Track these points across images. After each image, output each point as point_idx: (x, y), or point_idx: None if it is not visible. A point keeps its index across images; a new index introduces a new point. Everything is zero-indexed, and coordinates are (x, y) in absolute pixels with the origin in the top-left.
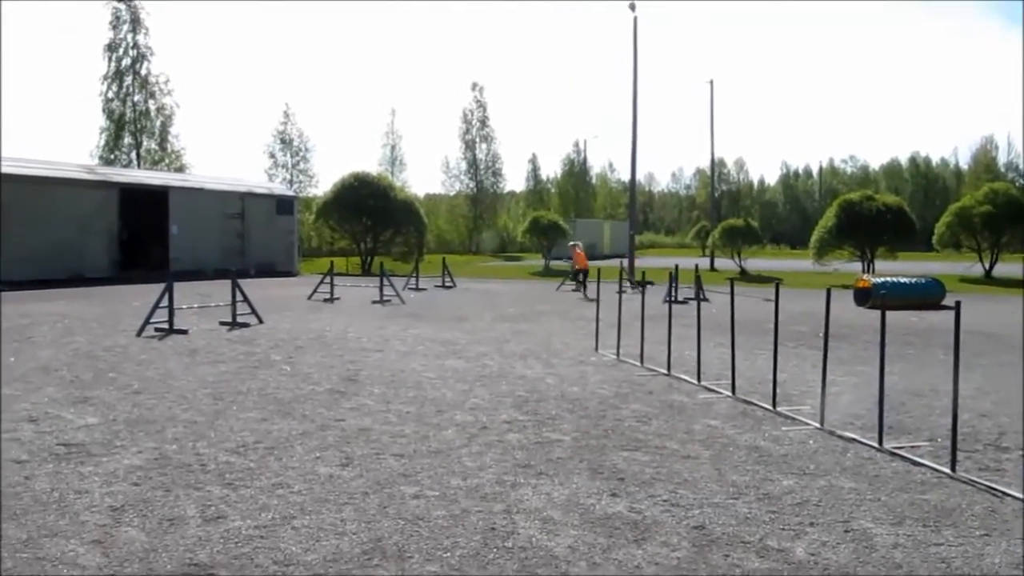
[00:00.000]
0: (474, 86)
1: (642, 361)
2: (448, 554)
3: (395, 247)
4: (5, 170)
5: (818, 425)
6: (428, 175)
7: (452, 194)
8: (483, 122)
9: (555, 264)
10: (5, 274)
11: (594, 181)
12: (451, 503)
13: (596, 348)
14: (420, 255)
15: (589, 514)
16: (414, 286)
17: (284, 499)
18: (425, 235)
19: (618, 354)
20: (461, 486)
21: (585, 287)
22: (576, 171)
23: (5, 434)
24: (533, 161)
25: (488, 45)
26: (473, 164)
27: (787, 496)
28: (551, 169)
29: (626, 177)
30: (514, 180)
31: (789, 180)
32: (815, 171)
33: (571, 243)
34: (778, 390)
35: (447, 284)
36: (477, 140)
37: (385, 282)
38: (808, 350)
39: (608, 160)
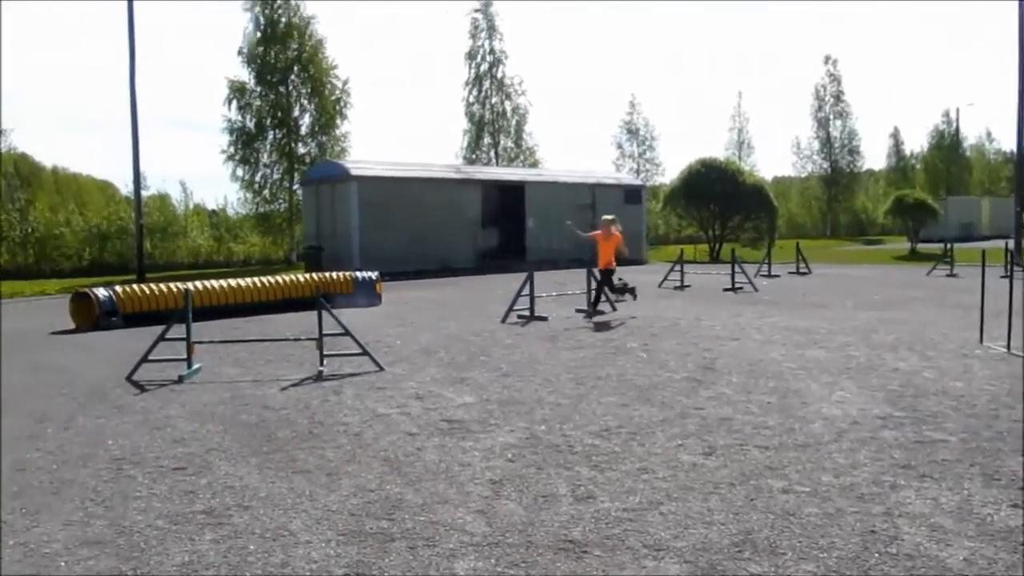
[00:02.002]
0: (827, 59)
1: None
2: (824, 554)
3: (745, 233)
4: (388, 173)
5: None
6: (777, 157)
7: (803, 176)
8: (837, 97)
9: (923, 247)
10: (389, 266)
11: (968, 154)
12: (824, 500)
13: (981, 340)
14: (771, 241)
15: (987, 525)
16: (766, 273)
17: (650, 484)
18: (776, 220)
19: (1008, 347)
20: (834, 483)
21: (607, 294)
22: (947, 143)
23: (397, 408)
24: (895, 135)
25: (840, 13)
26: (827, 143)
27: None
28: (916, 143)
29: (1007, 147)
30: (873, 157)
31: None
32: None
33: (606, 218)
34: None
35: (802, 270)
36: (831, 117)
37: (737, 269)
38: None
39: (985, 128)
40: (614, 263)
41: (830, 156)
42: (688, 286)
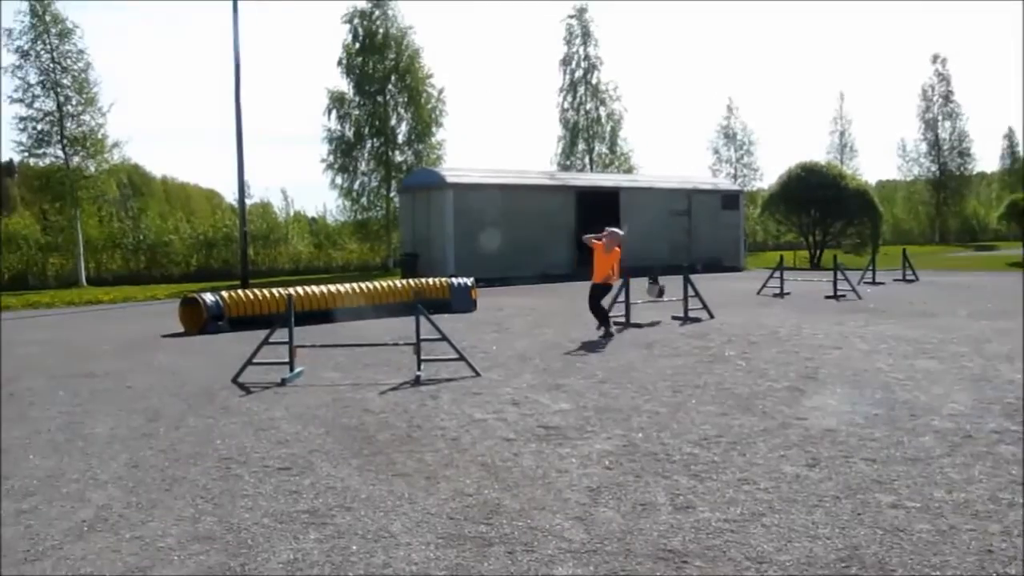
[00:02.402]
0: (935, 59)
1: None
2: (937, 572)
3: (847, 239)
4: (483, 180)
5: None
6: (881, 160)
7: (909, 179)
8: (946, 98)
9: None
10: (484, 272)
11: None
12: (936, 517)
13: None
14: (876, 247)
15: None
16: (870, 280)
17: (751, 495)
18: (880, 225)
19: None
20: (946, 499)
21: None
22: None
23: (494, 414)
24: (1009, 136)
25: (949, 10)
26: (935, 145)
27: None
28: None
29: None
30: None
31: None
32: None
33: (613, 230)
34: None
35: (908, 277)
36: (939, 118)
37: (839, 276)
38: None
39: None
40: (612, 279)
41: (938, 159)
42: (788, 294)
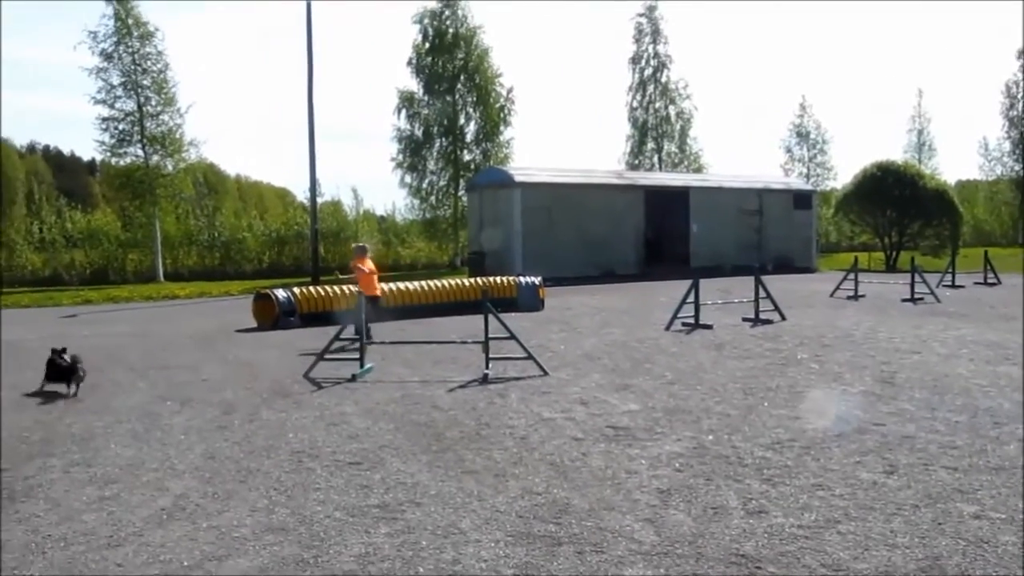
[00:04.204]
0: (1021, 53)
1: None
2: None
3: (924, 241)
4: (551, 179)
5: None
6: (962, 160)
7: (992, 179)
8: None
9: None
10: (552, 271)
11: None
12: (1020, 528)
13: None
14: (955, 249)
15: None
16: (949, 283)
17: (826, 501)
18: (960, 227)
19: None
20: None
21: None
22: None
23: (562, 413)
24: None
25: None
26: (1019, 143)
27: None
28: None
29: None
30: None
31: None
32: None
33: (356, 246)
34: None
35: (990, 280)
36: None
37: (916, 278)
38: None
39: None
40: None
41: (1023, 158)
42: (862, 296)
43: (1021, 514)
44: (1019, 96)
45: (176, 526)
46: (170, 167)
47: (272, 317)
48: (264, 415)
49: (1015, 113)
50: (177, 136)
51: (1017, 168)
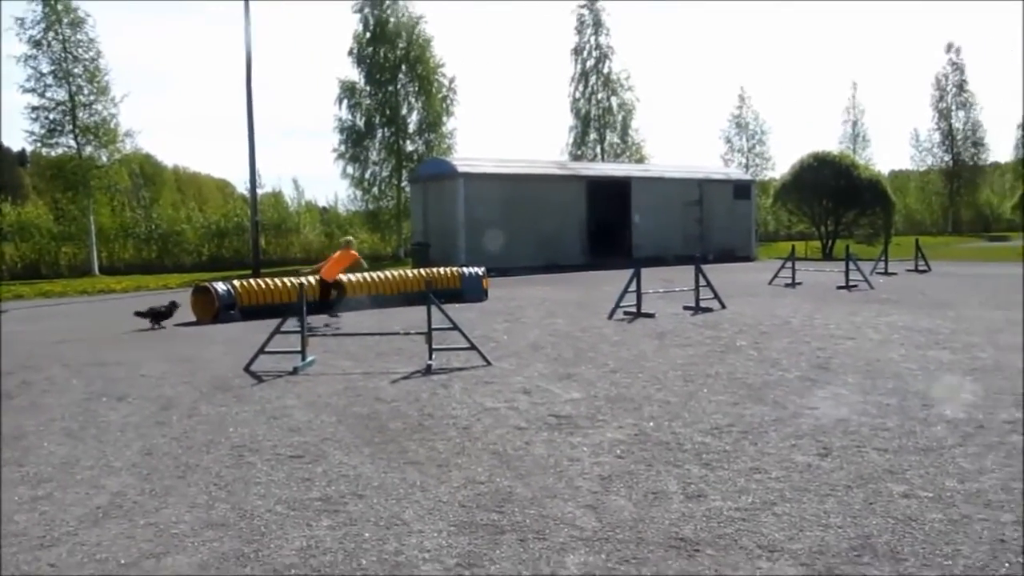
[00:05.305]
0: (949, 47)
1: None
2: (949, 562)
3: (859, 229)
4: (494, 170)
5: None
6: (894, 150)
7: (923, 169)
8: (960, 87)
9: None
10: (495, 262)
11: None
12: (948, 507)
13: None
14: (888, 237)
15: None
16: (882, 270)
17: (763, 484)
18: (893, 215)
19: None
20: (958, 489)
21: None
22: None
23: (505, 403)
24: (1023, 126)
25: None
26: (948, 135)
27: None
28: None
29: None
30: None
31: None
32: None
33: (345, 240)
34: None
35: (921, 268)
36: (953, 107)
37: (851, 266)
38: None
39: None
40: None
41: (952, 149)
42: (799, 284)
43: (953, 493)
44: (948, 89)
45: (112, 524)
46: (104, 158)
47: (212, 311)
48: (204, 410)
49: (944, 105)
50: (111, 126)
51: (947, 159)
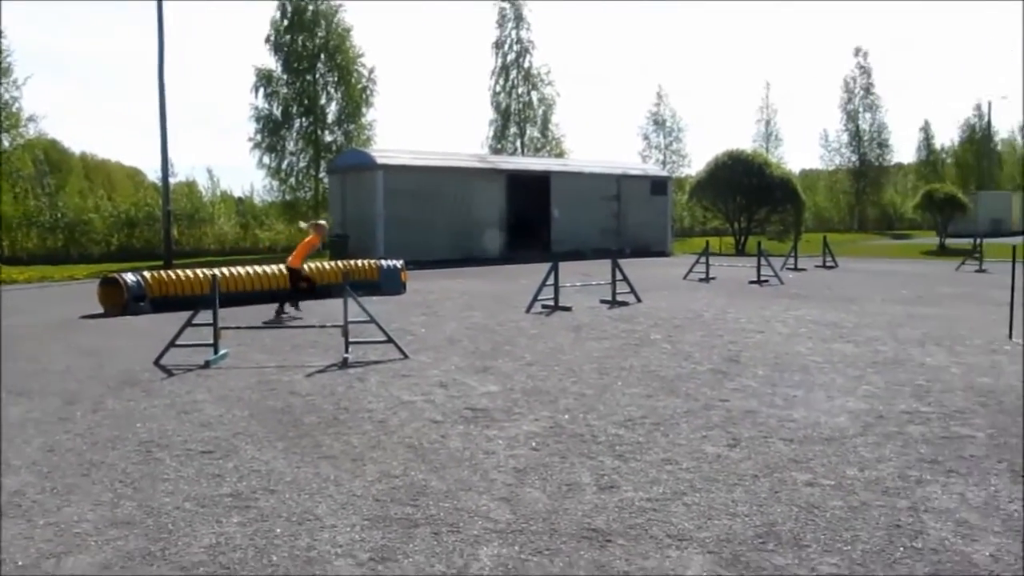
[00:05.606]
0: (857, 51)
1: None
2: (849, 547)
3: (771, 226)
4: (414, 162)
5: None
6: (805, 150)
7: (831, 169)
8: (867, 90)
9: (952, 243)
10: (414, 255)
11: (999, 148)
12: (848, 494)
13: (1010, 336)
14: (798, 234)
15: (1013, 521)
16: (792, 266)
17: (673, 475)
18: (803, 213)
19: None
20: (859, 477)
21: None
22: (978, 137)
23: (422, 396)
24: (925, 129)
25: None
26: (856, 136)
27: None
28: (946, 137)
29: None
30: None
31: None
32: None
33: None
34: None
35: (828, 264)
36: (860, 109)
37: (763, 262)
38: None
39: (1018, 122)
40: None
41: (859, 149)
42: (713, 278)
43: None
44: (856, 91)
45: (9, 524)
46: (6, 143)
47: (120, 303)
48: (110, 405)
49: (852, 107)
50: (14, 110)
51: (854, 159)
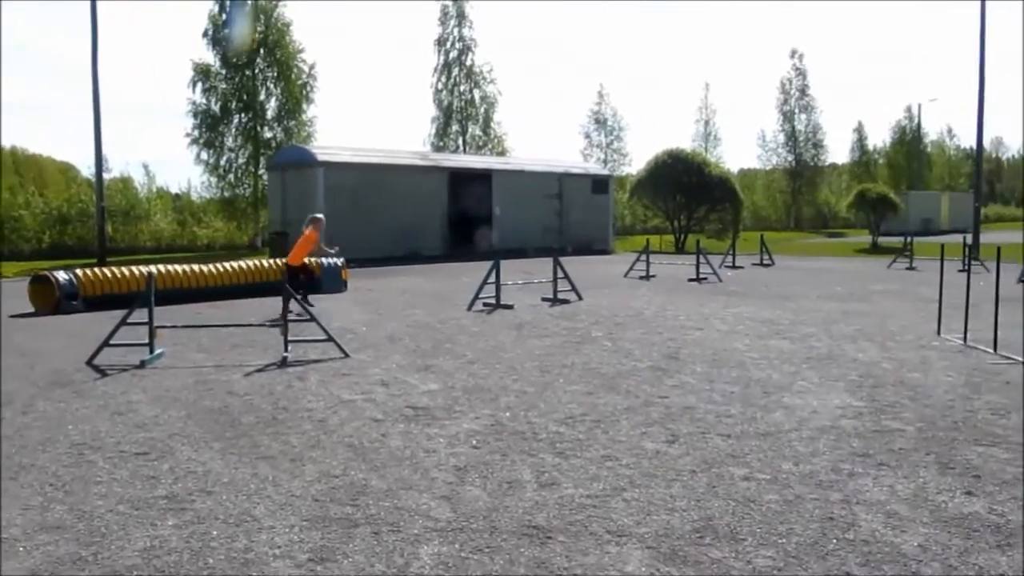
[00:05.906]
0: (793, 53)
1: (995, 348)
2: (784, 540)
3: (710, 224)
4: (355, 159)
5: None
6: (743, 149)
7: (768, 168)
8: (803, 91)
9: (884, 241)
10: (355, 253)
11: (929, 149)
12: (783, 488)
13: (939, 332)
14: (736, 232)
15: (940, 512)
16: (731, 264)
17: (613, 471)
18: (741, 211)
19: (965, 339)
20: (793, 471)
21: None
22: (908, 139)
23: (362, 395)
24: (858, 130)
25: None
26: (792, 136)
27: None
28: (879, 138)
29: (966, 144)
30: (837, 151)
31: None
32: None
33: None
34: None
35: (765, 262)
36: (796, 110)
37: (702, 260)
38: None
39: (947, 125)
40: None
41: (795, 149)
42: (653, 276)
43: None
44: (792, 92)
45: None
46: None
47: (52, 301)
48: (40, 406)
49: (788, 108)
50: None
51: (790, 159)
